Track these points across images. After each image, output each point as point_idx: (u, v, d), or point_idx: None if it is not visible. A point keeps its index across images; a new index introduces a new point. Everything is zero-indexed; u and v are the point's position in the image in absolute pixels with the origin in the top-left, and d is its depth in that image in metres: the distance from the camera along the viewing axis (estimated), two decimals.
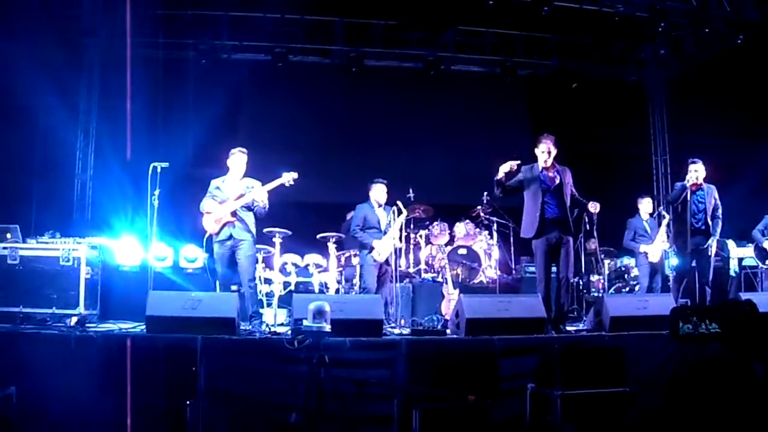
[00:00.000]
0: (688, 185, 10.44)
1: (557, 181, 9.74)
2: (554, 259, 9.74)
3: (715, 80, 14.78)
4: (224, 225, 10.13)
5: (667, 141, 16.44)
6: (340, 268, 12.38)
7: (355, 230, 11.25)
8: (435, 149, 16.17)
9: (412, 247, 13.62)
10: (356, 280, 12.03)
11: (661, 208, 13.04)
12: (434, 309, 12.13)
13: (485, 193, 13.57)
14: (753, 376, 5.73)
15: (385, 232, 11.15)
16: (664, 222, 12.45)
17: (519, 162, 9.57)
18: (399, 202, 11.26)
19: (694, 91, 15.32)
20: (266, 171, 10.25)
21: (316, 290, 12.20)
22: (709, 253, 10.34)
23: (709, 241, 10.50)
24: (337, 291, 12.17)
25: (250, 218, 10.25)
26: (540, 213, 9.58)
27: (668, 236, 12.42)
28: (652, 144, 16.82)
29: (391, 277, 11.20)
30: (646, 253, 12.52)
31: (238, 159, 10.37)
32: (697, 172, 10.63)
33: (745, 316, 6.33)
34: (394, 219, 11.09)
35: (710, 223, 10.58)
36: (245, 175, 10.35)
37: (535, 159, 9.83)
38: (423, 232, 13.82)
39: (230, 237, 10.13)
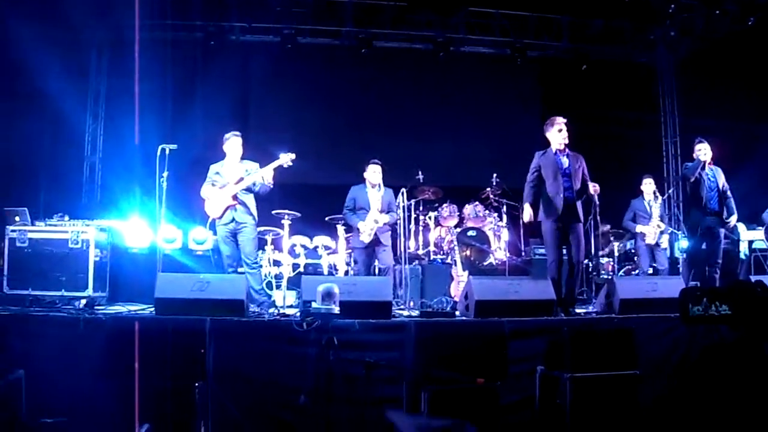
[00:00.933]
0: (704, 161, 10.40)
1: (568, 165, 9.66)
2: (565, 241, 9.65)
3: (726, 62, 14.58)
4: (227, 209, 10.09)
5: (677, 123, 16.20)
6: (349, 250, 12.24)
7: (344, 211, 11.18)
8: (444, 131, 15.95)
9: (421, 228, 13.52)
10: None
11: (671, 190, 13.03)
12: (443, 291, 11.98)
13: (494, 175, 13.52)
14: (764, 358, 5.77)
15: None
16: (657, 202, 12.37)
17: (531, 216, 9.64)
18: (404, 190, 11.34)
19: (705, 72, 15.14)
20: (275, 153, 10.20)
21: (325, 272, 12.22)
22: (729, 230, 10.31)
23: (731, 219, 10.54)
24: (346, 273, 12.17)
25: (251, 201, 10.22)
26: (557, 196, 9.53)
27: (662, 219, 12.39)
28: (662, 126, 16.53)
29: (398, 258, 11.15)
30: (643, 234, 12.41)
31: (233, 143, 10.33)
32: (704, 150, 10.59)
33: (757, 298, 6.26)
34: (401, 202, 11.10)
35: (723, 203, 10.52)
36: (243, 158, 10.35)
37: (546, 143, 9.76)
38: (432, 214, 13.69)
39: (232, 220, 10.09)
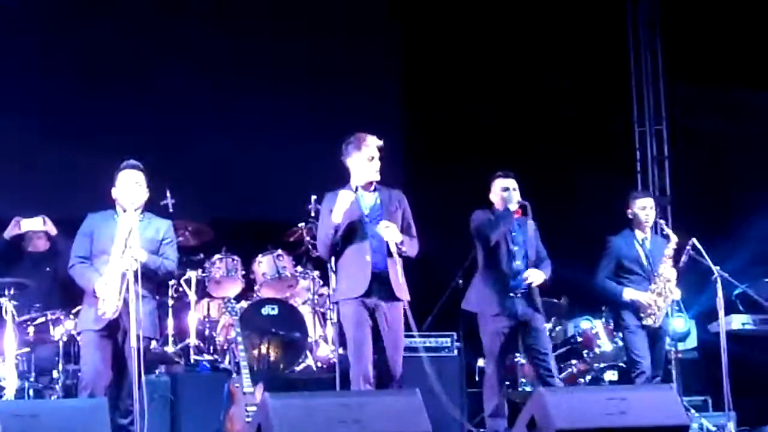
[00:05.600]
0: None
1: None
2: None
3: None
4: None
5: (663, 99, 12.64)
6: (27, 348, 9.08)
7: (72, 263, 7.98)
8: (218, 116, 12.03)
9: (172, 303, 10.37)
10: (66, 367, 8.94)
11: (662, 222, 9.69)
12: (214, 424, 8.83)
13: (313, 198, 10.16)
14: None
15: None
16: (671, 245, 8.98)
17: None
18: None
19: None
20: None
21: None
22: None
23: None
24: (22, 392, 8.97)
25: None
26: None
27: (680, 274, 9.05)
28: (634, 104, 12.75)
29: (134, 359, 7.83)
30: (636, 305, 8.96)
31: None
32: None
33: None
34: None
35: None
36: None
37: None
38: (193, 275, 10.46)
39: None
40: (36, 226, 9.24)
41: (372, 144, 7.99)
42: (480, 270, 8.47)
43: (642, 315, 8.88)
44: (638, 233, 8.61)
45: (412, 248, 7.93)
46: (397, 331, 7.90)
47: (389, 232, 7.80)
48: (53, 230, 9.42)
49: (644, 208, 8.66)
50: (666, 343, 9.48)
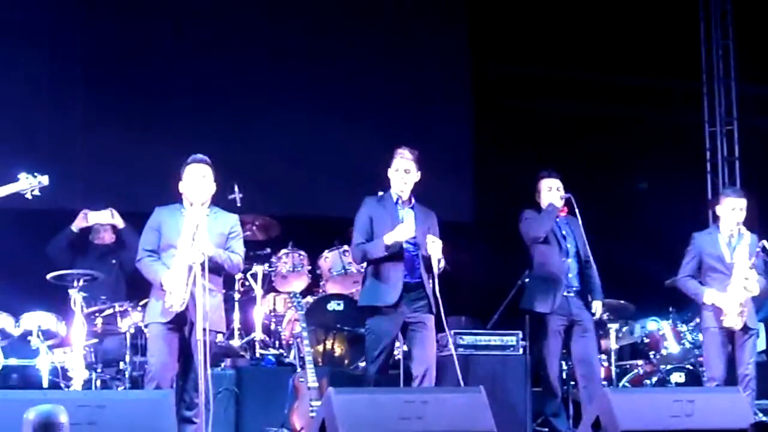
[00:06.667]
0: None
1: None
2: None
3: None
4: None
5: (734, 98, 12.40)
6: (94, 339, 9.09)
7: (140, 257, 7.92)
8: (288, 111, 11.94)
9: (238, 297, 10.28)
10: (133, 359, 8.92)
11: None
12: (279, 418, 8.90)
13: (380, 195, 9.51)
14: None
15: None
16: (746, 240, 8.84)
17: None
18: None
19: None
20: None
21: (44, 383, 8.88)
22: None
23: None
24: (89, 383, 8.96)
25: None
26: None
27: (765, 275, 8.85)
28: (705, 104, 12.45)
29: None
30: (715, 309, 8.69)
31: None
32: None
33: None
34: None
35: None
36: None
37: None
38: (259, 269, 10.29)
39: None
40: (104, 218, 9.38)
41: (401, 156, 8.04)
42: (534, 268, 8.49)
43: (723, 318, 8.65)
44: (724, 231, 8.45)
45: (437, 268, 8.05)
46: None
47: (434, 247, 7.89)
48: (120, 223, 9.50)
49: (734, 209, 8.49)
50: (755, 341, 9.25)
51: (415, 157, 8.18)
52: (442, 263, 8.12)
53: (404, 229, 8.04)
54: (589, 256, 8.51)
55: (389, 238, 7.89)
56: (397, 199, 8.05)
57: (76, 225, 9.60)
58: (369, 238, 8.30)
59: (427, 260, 8.13)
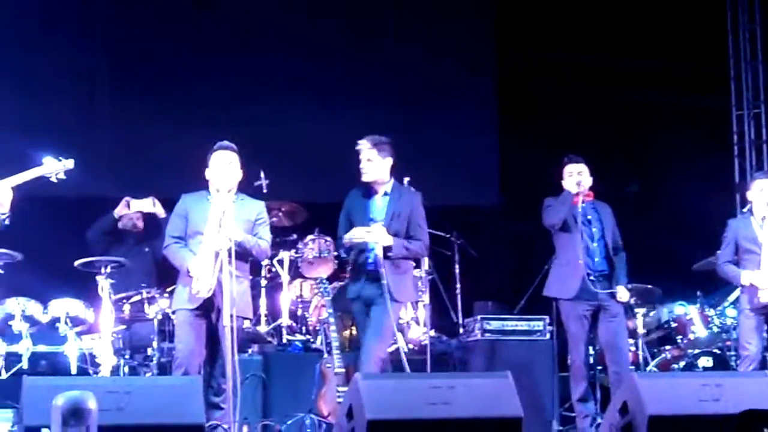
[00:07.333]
0: None
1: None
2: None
3: None
4: None
5: (761, 81, 12.24)
6: (122, 326, 9.15)
7: (167, 243, 8.01)
8: (313, 98, 11.86)
9: (265, 283, 10.34)
10: (161, 345, 8.96)
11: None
12: (306, 403, 8.92)
13: (406, 180, 9.53)
14: None
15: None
16: None
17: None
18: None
19: None
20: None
21: (73, 369, 8.91)
22: None
23: None
24: (117, 369, 9.02)
25: None
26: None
27: None
28: (732, 87, 12.37)
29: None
30: (751, 290, 8.72)
31: None
32: None
33: None
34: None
35: None
36: None
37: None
38: (286, 255, 10.30)
39: None
40: (146, 207, 9.44)
41: (358, 147, 8.03)
42: (556, 255, 8.51)
43: (757, 297, 8.66)
44: (757, 214, 8.47)
45: (401, 250, 7.95)
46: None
47: (371, 236, 7.84)
48: (162, 212, 9.49)
49: (762, 189, 8.49)
50: None
51: (374, 144, 8.14)
52: (388, 243, 8.08)
53: (358, 232, 8.06)
54: (618, 241, 8.50)
55: (347, 237, 7.98)
56: (370, 189, 8.07)
57: (118, 212, 9.61)
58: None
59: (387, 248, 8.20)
